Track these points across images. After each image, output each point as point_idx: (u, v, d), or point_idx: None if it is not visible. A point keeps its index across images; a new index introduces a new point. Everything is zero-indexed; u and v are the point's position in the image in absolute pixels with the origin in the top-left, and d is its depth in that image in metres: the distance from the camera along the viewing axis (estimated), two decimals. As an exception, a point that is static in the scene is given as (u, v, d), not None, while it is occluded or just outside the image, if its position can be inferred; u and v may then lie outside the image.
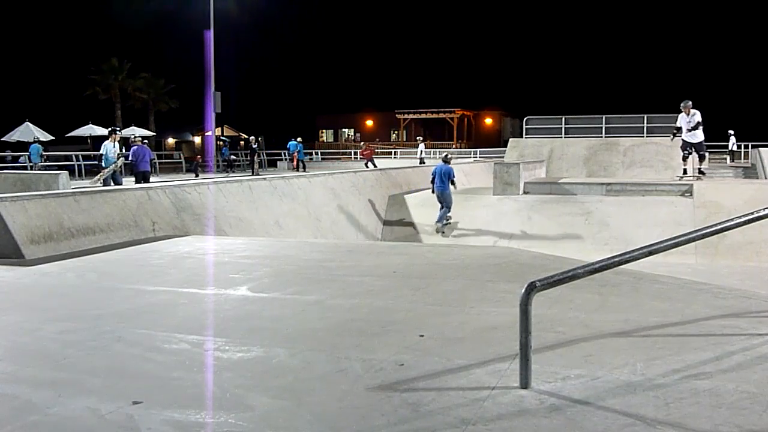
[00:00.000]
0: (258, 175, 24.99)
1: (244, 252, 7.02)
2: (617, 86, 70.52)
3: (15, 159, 28.59)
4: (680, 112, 15.48)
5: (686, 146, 15.50)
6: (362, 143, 35.73)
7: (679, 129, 15.48)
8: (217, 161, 34.47)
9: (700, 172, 15.80)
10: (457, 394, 2.84)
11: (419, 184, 19.06)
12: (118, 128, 16.47)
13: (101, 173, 15.00)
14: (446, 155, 15.33)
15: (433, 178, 14.49)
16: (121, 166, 15.31)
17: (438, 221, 14.35)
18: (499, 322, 3.98)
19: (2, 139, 30.62)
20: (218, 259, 6.65)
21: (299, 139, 32.45)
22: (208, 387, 3.02)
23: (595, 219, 13.84)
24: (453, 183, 14.46)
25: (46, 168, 23.42)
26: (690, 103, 15.18)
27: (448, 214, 14.41)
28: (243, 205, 10.70)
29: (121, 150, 16.11)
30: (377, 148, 50.03)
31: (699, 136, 15.30)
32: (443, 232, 14.29)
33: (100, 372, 3.22)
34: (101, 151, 15.41)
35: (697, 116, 15.11)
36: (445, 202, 14.29)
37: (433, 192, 14.58)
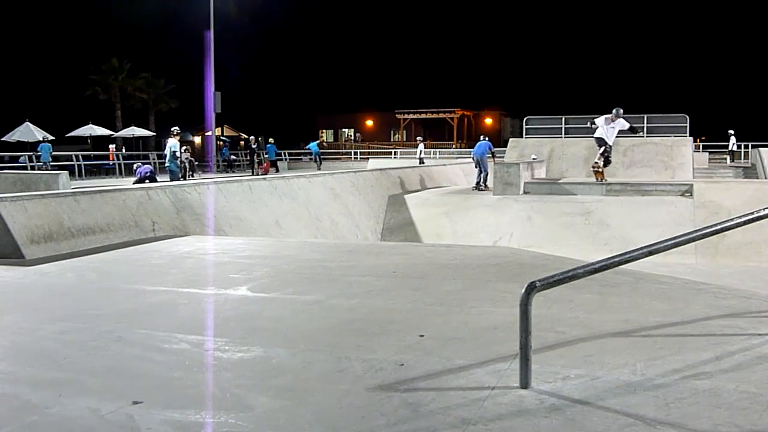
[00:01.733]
0: (258, 174, 25.06)
1: (244, 252, 7.02)
2: (617, 86, 70.50)
3: (14, 159, 28.57)
4: (606, 115, 16.49)
5: (603, 143, 16.60)
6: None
7: (596, 128, 16.52)
8: (218, 161, 34.48)
9: (597, 166, 16.78)
10: (457, 394, 2.84)
11: (419, 184, 19.06)
12: (177, 128, 17.02)
13: (189, 170, 15.84)
14: (484, 136, 19.81)
15: (473, 157, 19.10)
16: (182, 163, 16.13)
17: (476, 183, 18.06)
18: (499, 322, 3.98)
19: (2, 139, 30.59)
20: (218, 259, 6.65)
21: (271, 140, 32.82)
22: (208, 387, 3.02)
23: (595, 219, 13.84)
24: (492, 154, 18.81)
25: (53, 168, 23.56)
26: (621, 111, 16.25)
27: (486, 178, 17.77)
28: (243, 205, 10.70)
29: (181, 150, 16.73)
30: (377, 149, 50.03)
31: (612, 140, 16.60)
32: (483, 188, 17.49)
33: (100, 372, 3.22)
34: (171, 149, 15.88)
35: (621, 124, 16.28)
36: (483, 166, 18.00)
37: (473, 159, 19.07)
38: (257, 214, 10.90)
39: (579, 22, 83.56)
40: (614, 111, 16.12)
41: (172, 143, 16.27)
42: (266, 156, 32.36)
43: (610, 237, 13.23)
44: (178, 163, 16.38)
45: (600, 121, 16.45)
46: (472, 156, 19.52)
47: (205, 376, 3.16)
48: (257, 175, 28.67)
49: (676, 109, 27.26)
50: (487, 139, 19.63)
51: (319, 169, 31.86)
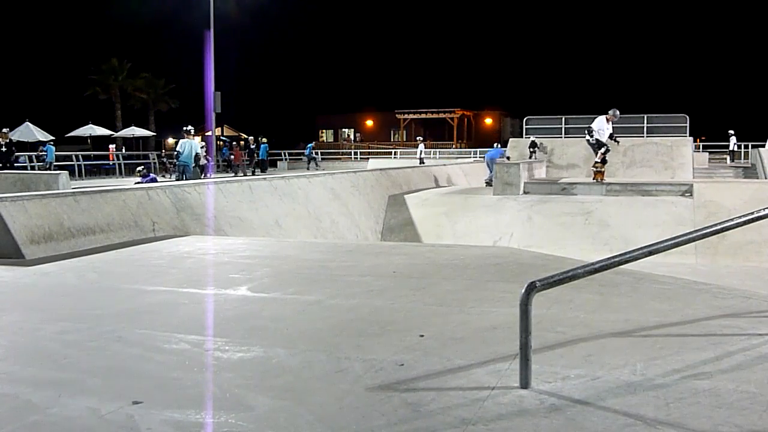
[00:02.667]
0: (255, 174, 25.09)
1: (244, 252, 7.02)
2: (617, 86, 70.52)
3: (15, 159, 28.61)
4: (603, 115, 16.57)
5: (601, 145, 16.62)
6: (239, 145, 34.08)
7: (601, 133, 16.40)
8: (218, 161, 34.49)
9: (598, 166, 16.82)
10: (457, 394, 2.84)
11: (419, 184, 19.05)
12: (191, 127, 16.93)
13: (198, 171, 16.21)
14: (498, 144, 23.68)
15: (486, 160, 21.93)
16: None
17: (486, 180, 20.22)
18: (499, 322, 3.98)
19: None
20: (218, 259, 6.65)
21: (264, 139, 33.09)
22: (208, 387, 3.02)
23: (595, 219, 13.83)
24: (507, 158, 21.69)
25: (54, 168, 23.73)
26: (618, 112, 16.40)
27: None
28: (243, 205, 10.69)
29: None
30: (377, 149, 50.00)
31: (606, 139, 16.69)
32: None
33: (100, 372, 3.22)
34: (194, 149, 15.89)
35: (611, 127, 16.58)
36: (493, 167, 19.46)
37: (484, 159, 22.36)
38: (257, 214, 10.90)
39: (579, 22, 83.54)
40: (612, 111, 16.17)
41: (194, 143, 16.26)
42: (236, 147, 32.49)
43: (610, 237, 13.22)
44: (198, 163, 16.44)
45: (599, 122, 16.35)
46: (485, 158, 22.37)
47: (205, 376, 3.16)
48: (239, 168, 28.96)
49: (676, 109, 27.32)
50: (499, 146, 22.38)
51: (317, 168, 32.13)
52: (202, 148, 17.23)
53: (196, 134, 18.12)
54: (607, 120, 16.27)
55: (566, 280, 2.89)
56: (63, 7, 60.49)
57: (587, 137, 16.83)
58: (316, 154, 39.11)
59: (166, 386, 3.01)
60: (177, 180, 15.61)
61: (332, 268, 5.98)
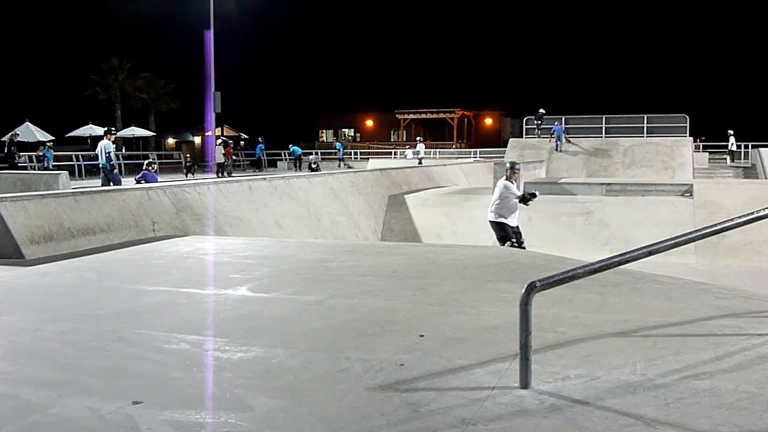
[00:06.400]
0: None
1: (244, 252, 7.02)
2: (617, 86, 70.53)
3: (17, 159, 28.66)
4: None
5: (512, 233, 10.46)
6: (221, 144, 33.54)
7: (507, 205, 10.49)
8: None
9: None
10: (457, 394, 2.84)
11: (419, 184, 19.05)
12: (113, 128, 16.81)
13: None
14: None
15: None
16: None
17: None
18: (499, 322, 3.98)
19: (2, 139, 30.64)
20: (218, 259, 6.65)
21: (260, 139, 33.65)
22: (208, 387, 3.02)
23: (595, 219, 13.83)
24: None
25: (53, 168, 23.82)
26: (517, 165, 10.98)
27: None
28: (243, 205, 10.70)
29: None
30: (377, 149, 50.03)
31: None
32: None
33: (100, 372, 3.22)
34: (105, 150, 15.59)
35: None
36: None
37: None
38: (257, 214, 10.90)
39: (579, 22, 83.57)
40: (509, 163, 11.20)
41: (107, 143, 15.76)
42: (230, 146, 32.77)
43: (610, 237, 13.23)
44: (114, 164, 15.91)
45: (500, 186, 10.61)
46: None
47: (205, 376, 3.16)
48: (224, 167, 29.04)
49: (676, 109, 27.38)
50: (557, 124, 23.35)
51: (341, 167, 32.41)
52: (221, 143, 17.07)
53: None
54: (508, 178, 10.58)
55: (566, 280, 2.89)
56: (63, 7, 60.48)
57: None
58: (316, 154, 39.07)
59: (166, 386, 3.01)
60: (102, 183, 15.31)
61: (332, 268, 5.98)
